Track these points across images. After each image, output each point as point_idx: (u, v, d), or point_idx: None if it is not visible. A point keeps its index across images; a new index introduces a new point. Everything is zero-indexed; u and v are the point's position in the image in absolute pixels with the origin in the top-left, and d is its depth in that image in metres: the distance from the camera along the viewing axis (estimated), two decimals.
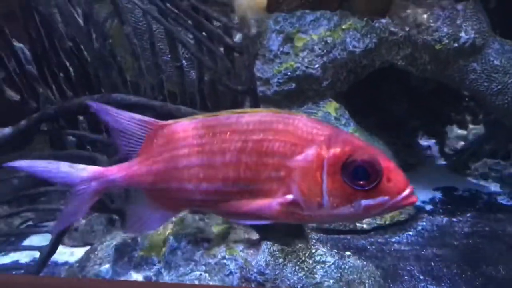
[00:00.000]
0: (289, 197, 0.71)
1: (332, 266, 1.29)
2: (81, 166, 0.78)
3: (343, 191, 0.69)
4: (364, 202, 0.68)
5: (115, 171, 0.78)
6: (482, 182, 2.06)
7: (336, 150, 0.69)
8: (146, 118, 0.78)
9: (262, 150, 0.72)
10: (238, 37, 1.64)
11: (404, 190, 0.68)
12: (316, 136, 0.71)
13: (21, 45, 1.27)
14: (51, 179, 0.77)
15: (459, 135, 2.16)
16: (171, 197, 0.79)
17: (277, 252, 1.28)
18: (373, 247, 1.61)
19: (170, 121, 0.78)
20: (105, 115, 0.78)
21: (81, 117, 1.31)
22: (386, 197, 0.68)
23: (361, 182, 0.68)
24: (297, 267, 1.27)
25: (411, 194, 0.69)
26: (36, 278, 1.00)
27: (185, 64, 1.63)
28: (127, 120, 0.78)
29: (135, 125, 0.78)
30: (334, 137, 0.70)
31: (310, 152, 0.70)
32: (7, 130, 1.22)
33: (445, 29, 1.72)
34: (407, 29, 1.72)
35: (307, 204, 0.71)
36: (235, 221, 0.79)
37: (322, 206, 0.70)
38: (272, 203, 0.72)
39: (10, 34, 1.20)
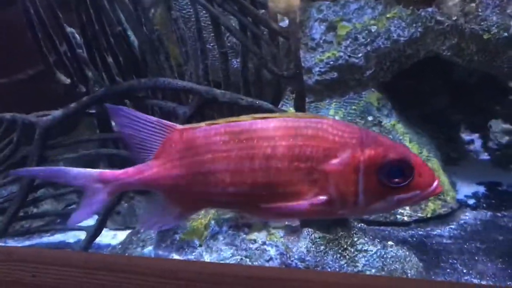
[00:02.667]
0: (322, 197, 0.72)
1: (375, 255, 1.28)
2: (93, 171, 0.79)
3: (378, 189, 0.71)
4: (397, 197, 0.71)
5: (130, 175, 0.79)
6: None
7: (370, 152, 0.71)
8: (165, 122, 0.78)
9: (293, 155, 0.73)
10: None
11: (433, 182, 0.72)
12: (348, 139, 0.72)
13: (72, 29, 1.30)
14: (67, 182, 0.80)
15: (504, 129, 2.09)
16: (192, 199, 0.79)
17: (318, 240, 1.28)
18: (414, 239, 1.59)
19: (189, 126, 0.79)
20: (120, 116, 0.78)
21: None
22: (418, 191, 0.72)
23: (397, 180, 0.70)
24: (338, 255, 1.27)
25: (438, 185, 0.72)
26: (85, 254, 1.03)
27: (228, 52, 1.65)
28: (145, 122, 0.78)
29: (152, 128, 0.78)
30: (365, 138, 0.72)
31: (346, 155, 0.71)
32: (58, 112, 1.26)
33: (494, 18, 1.66)
34: (454, 18, 1.68)
35: (341, 204, 0.72)
36: (266, 220, 0.80)
37: (356, 205, 0.72)
38: (303, 204, 0.73)
39: (63, 19, 1.23)
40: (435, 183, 0.72)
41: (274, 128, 0.74)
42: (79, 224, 1.54)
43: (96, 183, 0.78)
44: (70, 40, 1.24)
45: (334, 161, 0.72)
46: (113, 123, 1.48)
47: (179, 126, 0.78)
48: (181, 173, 0.77)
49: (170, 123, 0.78)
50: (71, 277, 0.76)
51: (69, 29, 1.27)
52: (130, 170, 0.79)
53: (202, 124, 0.78)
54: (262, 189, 0.74)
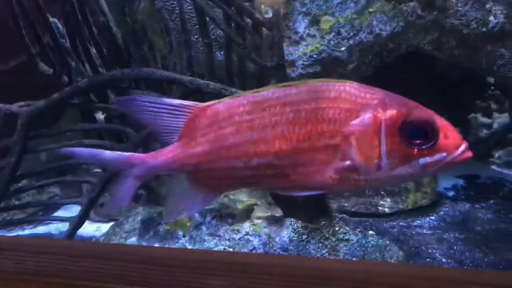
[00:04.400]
0: (346, 162, 0.71)
1: (356, 244, 1.30)
2: (124, 154, 0.80)
3: (401, 152, 0.69)
4: (422, 160, 0.69)
5: (156, 157, 0.78)
6: (505, 171, 2.04)
7: (392, 112, 0.69)
8: (186, 102, 0.78)
9: (316, 119, 0.71)
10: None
11: (460, 145, 0.69)
12: (370, 100, 0.71)
13: (54, 19, 1.29)
14: (98, 165, 0.81)
15: (483, 123, 2.14)
16: (217, 177, 0.78)
17: (300, 229, 1.30)
18: (395, 230, 1.62)
19: (211, 102, 0.78)
20: (135, 106, 0.77)
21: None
22: (444, 154, 0.69)
23: (420, 141, 0.68)
24: (320, 244, 1.29)
25: (467, 149, 0.70)
26: (68, 241, 1.03)
27: (213, 44, 1.65)
28: (166, 106, 0.77)
29: (175, 111, 0.77)
30: (388, 99, 0.71)
31: (367, 115, 0.70)
32: (40, 102, 1.25)
33: (474, 13, 1.69)
34: (434, 13, 1.70)
35: (365, 168, 0.71)
36: (288, 194, 0.78)
37: (380, 169, 0.70)
38: (327, 170, 0.72)
39: (46, 9, 1.23)
40: (463, 146, 0.70)
41: (296, 93, 0.73)
42: (61, 215, 1.54)
43: (127, 167, 0.78)
44: (53, 30, 1.23)
45: (355, 121, 0.70)
46: (99, 116, 1.48)
47: (201, 104, 0.78)
48: (205, 150, 0.76)
49: (192, 102, 0.78)
50: (54, 264, 0.76)
51: (51, 19, 1.26)
52: (154, 153, 0.79)
53: (226, 98, 0.77)
54: (285, 158, 0.73)
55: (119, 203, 0.82)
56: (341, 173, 0.72)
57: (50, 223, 1.63)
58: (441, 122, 0.70)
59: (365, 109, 0.70)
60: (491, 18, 1.68)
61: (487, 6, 1.69)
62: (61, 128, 1.32)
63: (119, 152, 0.81)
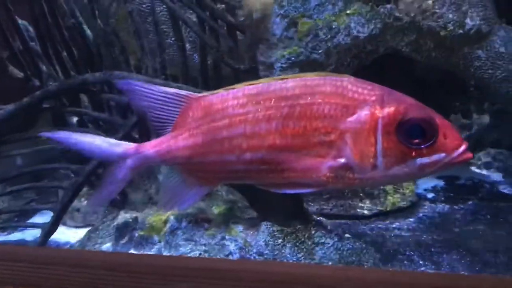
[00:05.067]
0: (341, 160, 0.69)
1: (332, 247, 1.30)
2: (116, 141, 0.76)
3: (398, 151, 0.67)
4: (419, 160, 0.67)
5: (149, 147, 0.76)
6: (485, 172, 2.05)
7: (390, 109, 0.67)
8: (182, 92, 0.76)
9: (311, 114, 0.69)
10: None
11: (460, 146, 0.67)
12: (367, 96, 0.69)
13: (25, 22, 1.27)
14: (86, 153, 0.76)
15: (463, 124, 2.14)
16: (210, 170, 0.76)
17: (276, 233, 1.28)
18: (373, 232, 1.61)
19: (205, 93, 0.76)
20: (135, 92, 0.74)
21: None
22: (443, 154, 0.67)
23: (417, 140, 0.66)
24: (296, 248, 1.28)
25: (466, 150, 0.68)
26: (36, 248, 1.01)
27: (188, 47, 1.64)
28: (161, 94, 0.75)
29: (169, 100, 0.75)
30: (387, 96, 0.68)
31: (363, 112, 0.68)
32: (10, 106, 1.23)
33: (450, 15, 1.70)
34: (412, 14, 1.71)
35: (360, 167, 0.69)
36: (280, 191, 0.75)
37: (375, 168, 0.68)
38: (322, 168, 0.69)
39: (15, 11, 1.21)
40: (463, 147, 0.67)
41: (292, 87, 0.70)
42: (34, 221, 1.52)
43: (119, 157, 0.75)
44: (23, 33, 1.21)
45: (351, 118, 0.68)
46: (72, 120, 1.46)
47: (196, 95, 0.75)
48: (197, 142, 0.74)
49: (187, 92, 0.76)
50: (20, 272, 0.74)
51: (21, 22, 1.24)
52: (147, 143, 0.76)
53: (220, 90, 0.75)
54: (279, 153, 0.71)
55: (107, 196, 0.79)
56: (335, 171, 0.70)
57: (26, 229, 1.60)
58: (441, 121, 0.67)
59: (362, 105, 0.68)
60: (468, 20, 1.69)
61: (463, 8, 1.70)
62: (31, 133, 1.30)
63: (112, 140, 0.77)
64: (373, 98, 0.68)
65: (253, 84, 0.73)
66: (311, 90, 0.70)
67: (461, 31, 1.70)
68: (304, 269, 0.79)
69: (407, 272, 0.98)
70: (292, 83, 0.71)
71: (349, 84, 0.70)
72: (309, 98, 0.70)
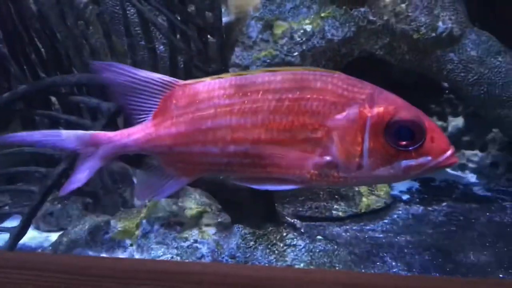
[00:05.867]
0: (326, 158, 0.68)
1: (303, 249, 1.30)
2: (85, 132, 0.74)
3: (384, 152, 0.66)
4: (405, 162, 0.66)
5: (126, 135, 0.73)
6: (459, 173, 2.08)
7: (379, 109, 0.66)
8: (166, 77, 0.73)
9: (299, 109, 0.68)
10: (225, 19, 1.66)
11: (447, 150, 0.67)
12: (357, 94, 0.68)
13: None
14: (53, 147, 0.74)
15: (439, 126, 2.18)
16: (191, 161, 0.74)
17: (248, 235, 1.28)
18: (348, 234, 1.62)
19: (191, 81, 0.73)
20: (112, 73, 0.72)
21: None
22: (429, 157, 0.66)
23: (405, 142, 0.66)
24: (267, 250, 1.28)
25: (453, 155, 0.67)
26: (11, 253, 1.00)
27: (162, 49, 1.64)
28: (144, 78, 0.72)
29: (152, 85, 0.73)
30: (377, 95, 0.68)
31: (352, 111, 0.67)
32: None
33: (423, 19, 1.72)
34: (385, 18, 1.73)
35: (345, 166, 0.68)
36: (259, 187, 0.73)
37: (361, 168, 0.67)
38: (307, 164, 0.68)
39: None
40: (450, 152, 0.67)
41: (281, 80, 0.69)
42: (2, 225, 1.50)
43: (89, 146, 0.73)
44: None
45: (339, 116, 0.67)
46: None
47: (181, 82, 0.73)
48: (180, 131, 0.72)
49: (171, 78, 0.73)
50: None
51: None
52: (125, 131, 0.74)
53: (207, 78, 0.73)
54: (264, 147, 0.69)
55: (72, 185, 0.76)
56: (320, 169, 0.69)
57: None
58: (429, 124, 0.67)
59: (351, 103, 0.67)
60: (440, 23, 1.72)
61: (436, 12, 1.72)
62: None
63: (79, 131, 0.74)
64: (363, 96, 0.67)
65: (241, 74, 0.71)
66: (300, 85, 0.69)
67: (433, 34, 1.72)
68: (266, 271, 0.79)
69: (364, 274, 0.99)
70: (281, 76, 0.69)
71: (340, 81, 0.69)
72: (297, 93, 0.68)
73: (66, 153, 0.90)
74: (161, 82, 0.72)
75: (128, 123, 0.76)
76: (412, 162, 0.66)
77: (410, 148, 0.66)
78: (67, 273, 0.72)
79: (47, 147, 0.78)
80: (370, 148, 0.66)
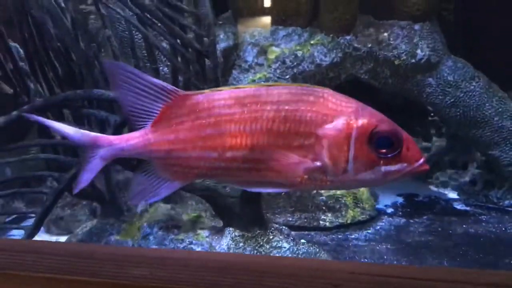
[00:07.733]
0: (317, 163, 0.75)
1: (288, 251, 1.43)
2: (90, 133, 0.79)
3: (367, 158, 0.73)
4: (385, 168, 0.74)
5: (126, 140, 0.78)
6: (441, 190, 2.21)
7: (364, 121, 0.73)
8: (169, 86, 0.77)
9: (294, 119, 0.75)
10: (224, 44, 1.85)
11: (420, 159, 0.74)
12: (345, 108, 0.75)
13: (15, 44, 1.43)
14: (63, 135, 0.80)
15: (423, 147, 2.31)
16: (188, 165, 0.79)
17: (238, 237, 1.42)
18: (333, 242, 1.75)
19: (192, 92, 0.79)
20: (119, 75, 0.76)
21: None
22: (405, 164, 0.74)
23: (385, 150, 0.73)
24: (255, 251, 1.41)
25: (424, 162, 0.75)
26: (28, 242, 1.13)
27: (166, 70, 1.80)
28: (147, 84, 0.76)
29: (155, 91, 0.77)
30: (361, 109, 0.75)
31: (340, 121, 0.74)
32: (1, 119, 1.36)
33: (403, 46, 1.89)
34: (369, 45, 1.89)
35: (332, 170, 0.75)
36: (253, 189, 0.81)
37: (346, 172, 0.74)
38: (298, 169, 0.76)
39: (6, 34, 1.36)
40: (422, 160, 0.74)
41: (278, 94, 0.76)
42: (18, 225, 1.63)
43: (90, 144, 0.78)
44: (13, 54, 1.36)
45: (329, 125, 0.75)
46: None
47: (181, 92, 0.77)
48: (179, 137, 0.77)
49: (174, 88, 0.77)
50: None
51: (13, 44, 1.39)
52: (125, 135, 0.79)
53: (206, 90, 0.78)
54: (260, 153, 0.76)
55: (82, 184, 0.81)
56: (310, 173, 0.76)
57: (12, 232, 1.72)
58: (405, 135, 0.75)
59: (339, 115, 0.75)
60: (418, 51, 1.88)
61: (415, 40, 1.89)
62: (18, 143, 1.43)
63: (85, 131, 0.79)
64: (350, 110, 0.75)
65: (240, 88, 0.78)
66: (296, 98, 0.76)
67: (413, 60, 1.88)
68: (242, 258, 0.90)
69: (325, 261, 1.10)
70: (277, 90, 0.76)
71: (330, 96, 0.76)
72: (293, 105, 0.75)
73: (71, 144, 1.01)
74: (164, 89, 0.76)
75: (130, 129, 0.82)
76: (391, 168, 0.74)
77: (389, 156, 0.73)
78: (76, 257, 0.84)
79: (59, 134, 0.92)
80: (355, 154, 0.73)
